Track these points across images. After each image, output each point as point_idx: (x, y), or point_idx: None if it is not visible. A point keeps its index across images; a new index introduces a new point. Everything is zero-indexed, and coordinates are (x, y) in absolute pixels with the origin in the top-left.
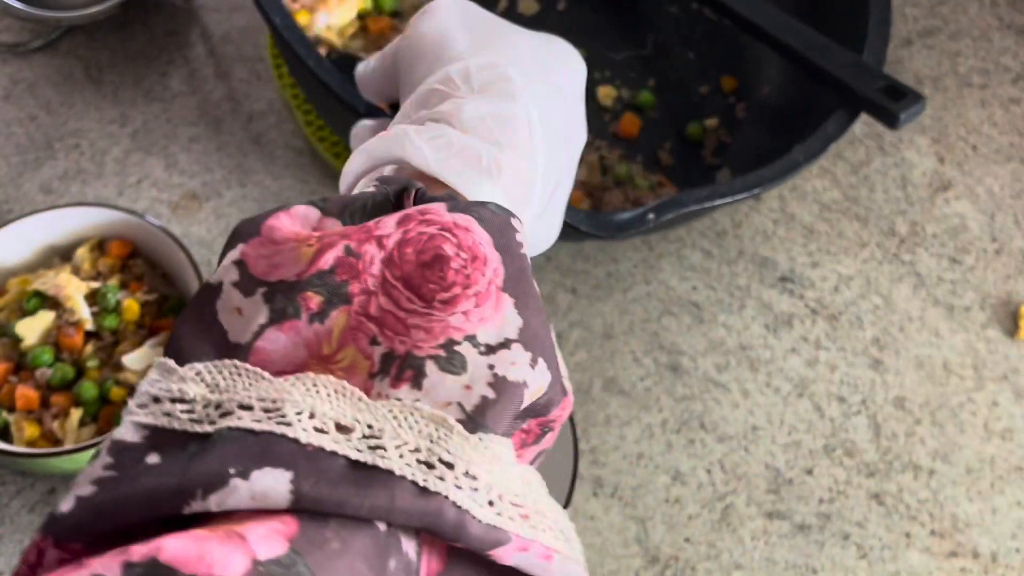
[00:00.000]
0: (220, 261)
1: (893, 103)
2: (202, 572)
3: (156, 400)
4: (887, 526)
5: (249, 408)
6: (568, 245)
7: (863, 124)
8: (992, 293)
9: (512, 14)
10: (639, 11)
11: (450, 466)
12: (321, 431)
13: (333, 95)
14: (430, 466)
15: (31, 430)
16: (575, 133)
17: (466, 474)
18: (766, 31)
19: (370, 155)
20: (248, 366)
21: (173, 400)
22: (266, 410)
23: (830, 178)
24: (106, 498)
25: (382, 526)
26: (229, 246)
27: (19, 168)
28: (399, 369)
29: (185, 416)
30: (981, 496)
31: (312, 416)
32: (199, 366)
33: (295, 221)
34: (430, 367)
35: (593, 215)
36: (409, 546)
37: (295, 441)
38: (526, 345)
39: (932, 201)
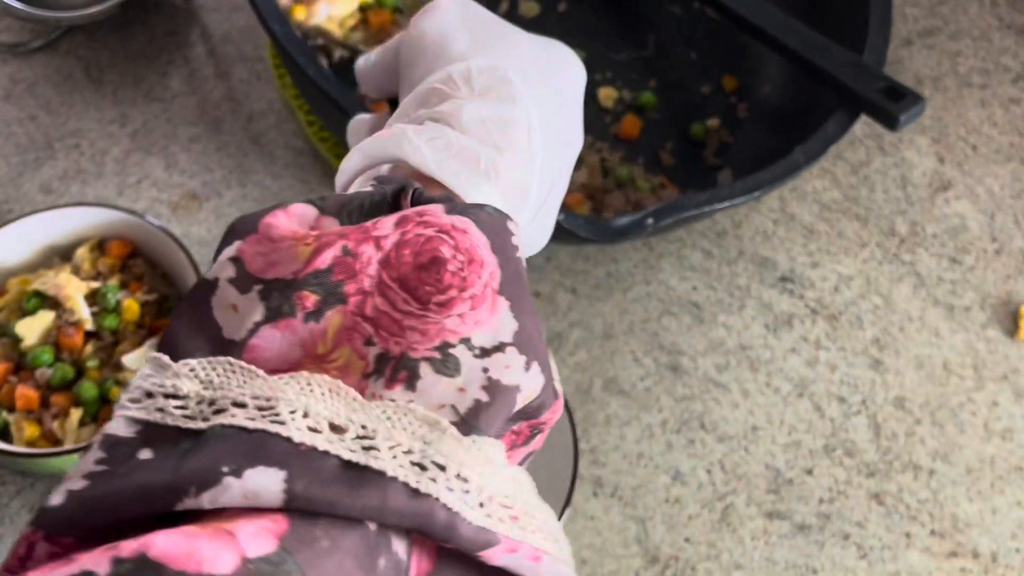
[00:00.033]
0: (216, 257)
1: (893, 104)
2: (191, 569)
3: (149, 395)
4: (887, 526)
5: (243, 406)
6: (587, 246)
7: (863, 124)
8: (992, 293)
9: (513, 16)
10: (640, 12)
11: (442, 468)
12: (315, 430)
13: (333, 103)
14: (423, 468)
15: (31, 430)
16: (573, 136)
17: (458, 476)
18: (766, 31)
19: (367, 153)
20: (242, 363)
21: (167, 396)
22: (260, 408)
23: (830, 178)
24: (97, 492)
25: (372, 525)
26: (225, 242)
27: (19, 168)
28: (393, 370)
29: (178, 412)
30: (981, 496)
31: (306, 415)
32: (193, 362)
33: (292, 219)
34: (424, 369)
35: (592, 221)
36: (399, 546)
37: (288, 440)
38: (520, 348)
39: (932, 201)
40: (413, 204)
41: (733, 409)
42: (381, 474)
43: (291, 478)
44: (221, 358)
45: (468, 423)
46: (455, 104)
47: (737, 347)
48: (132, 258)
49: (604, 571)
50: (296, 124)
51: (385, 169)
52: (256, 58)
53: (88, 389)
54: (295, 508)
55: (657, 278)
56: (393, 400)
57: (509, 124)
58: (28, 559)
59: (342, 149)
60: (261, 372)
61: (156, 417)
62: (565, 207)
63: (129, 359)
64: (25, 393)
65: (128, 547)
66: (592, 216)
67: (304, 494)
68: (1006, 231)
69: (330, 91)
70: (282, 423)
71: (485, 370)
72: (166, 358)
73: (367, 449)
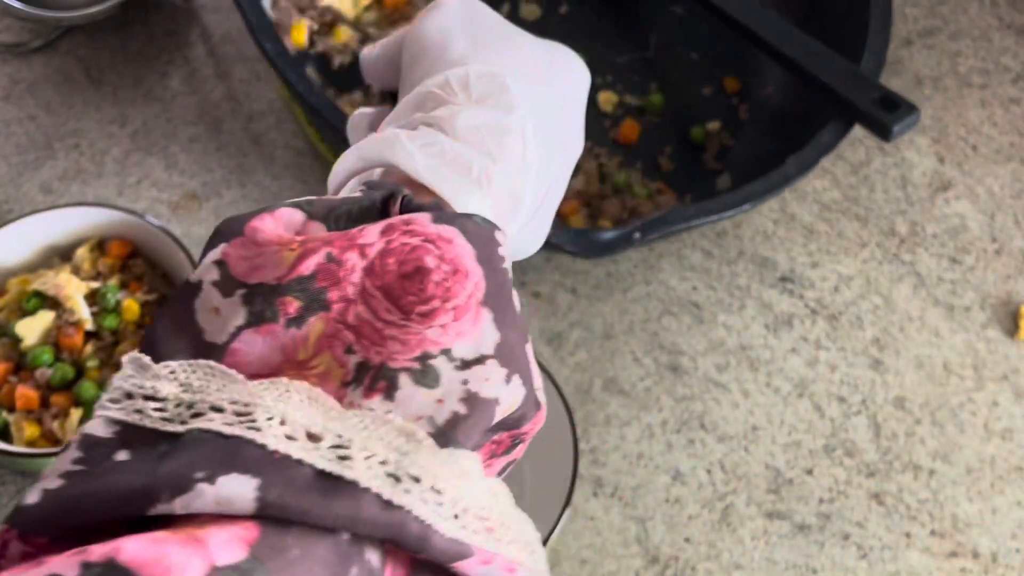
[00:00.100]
0: (201, 259)
1: (887, 115)
2: None
3: (129, 396)
4: (887, 526)
5: (221, 410)
6: (585, 260)
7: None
8: (992, 293)
9: (514, 18)
10: (641, 13)
11: (417, 480)
12: (291, 438)
13: (324, 121)
14: (397, 479)
15: (31, 430)
16: (572, 140)
17: (432, 488)
18: (762, 37)
19: (361, 156)
20: (223, 367)
21: (146, 397)
22: (238, 413)
23: (830, 178)
24: (74, 492)
25: (345, 535)
26: (211, 245)
27: (19, 168)
28: (373, 379)
29: (157, 414)
30: (981, 496)
31: (283, 423)
32: (173, 364)
33: (279, 223)
34: (403, 379)
35: (578, 235)
36: (373, 556)
37: (263, 447)
38: (502, 361)
39: (932, 201)
40: (402, 211)
41: (733, 409)
42: (354, 484)
43: (264, 486)
44: (201, 361)
45: (445, 435)
46: (451, 110)
47: (737, 347)
48: (132, 258)
49: (604, 571)
50: (296, 124)
51: (378, 172)
52: (256, 58)
53: (88, 389)
54: (268, 516)
55: (657, 278)
56: (371, 410)
57: (504, 132)
58: (1, 557)
59: (341, 150)
60: (240, 377)
61: (134, 418)
62: (557, 216)
63: None
64: (25, 393)
65: (97, 551)
66: (587, 224)
67: (277, 502)
68: (1006, 231)
69: (321, 109)
70: (258, 430)
71: (465, 382)
72: (147, 359)
73: (342, 459)
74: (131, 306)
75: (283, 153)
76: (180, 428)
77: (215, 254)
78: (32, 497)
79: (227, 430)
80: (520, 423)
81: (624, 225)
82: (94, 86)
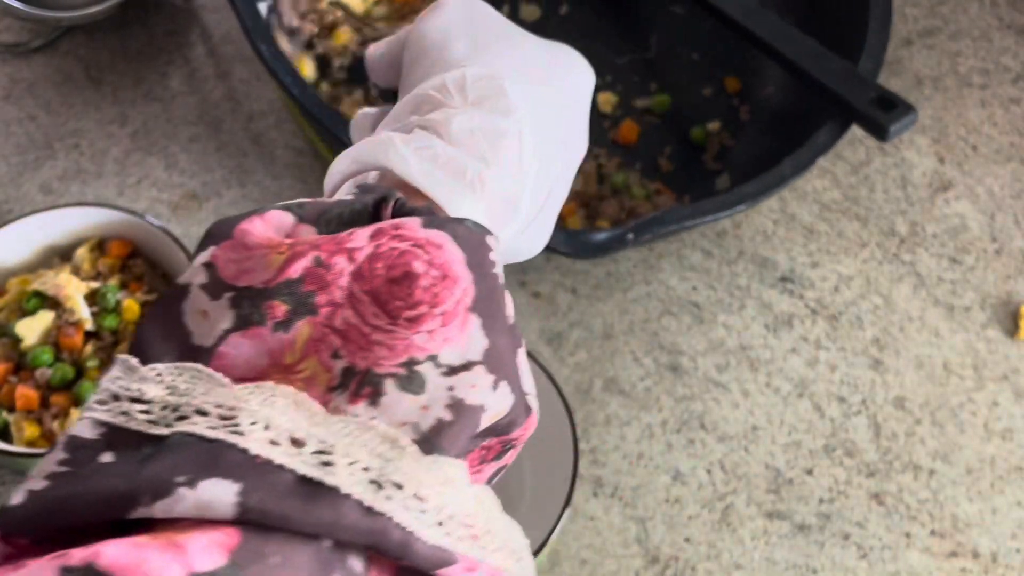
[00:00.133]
0: (192, 261)
1: (883, 114)
2: None
3: (115, 398)
4: (887, 526)
5: (205, 414)
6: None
7: None
8: (992, 293)
9: (513, 19)
10: (642, 13)
11: (399, 487)
12: (274, 443)
13: (318, 123)
14: (379, 486)
15: (31, 430)
16: (575, 140)
17: (415, 495)
18: (760, 37)
19: (356, 159)
20: (209, 371)
21: (132, 399)
22: (222, 417)
23: (830, 178)
24: (59, 494)
25: (328, 542)
26: (201, 247)
27: (19, 168)
28: (358, 385)
29: (142, 417)
30: (981, 496)
31: (267, 427)
32: (160, 367)
33: (269, 226)
34: (389, 385)
35: (571, 236)
36: (356, 563)
37: (245, 452)
38: (490, 367)
39: (932, 201)
40: (395, 215)
41: (733, 409)
42: (336, 490)
43: (245, 491)
44: (188, 364)
45: (430, 442)
46: (446, 113)
47: (737, 347)
48: (132, 258)
49: (604, 571)
50: (296, 124)
51: (373, 175)
52: (256, 58)
53: (88, 389)
54: (249, 521)
55: (657, 278)
56: (356, 416)
57: (500, 136)
58: None
59: (339, 150)
60: (226, 380)
61: (120, 420)
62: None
63: None
64: (25, 393)
65: (77, 555)
66: (585, 225)
67: (258, 507)
68: (1006, 231)
69: (314, 111)
70: (241, 434)
71: (450, 388)
72: (134, 361)
73: (324, 464)
74: (131, 306)
75: (283, 153)
76: (165, 431)
77: (204, 256)
78: (17, 498)
79: (210, 434)
80: (509, 429)
81: (619, 226)
82: (94, 86)
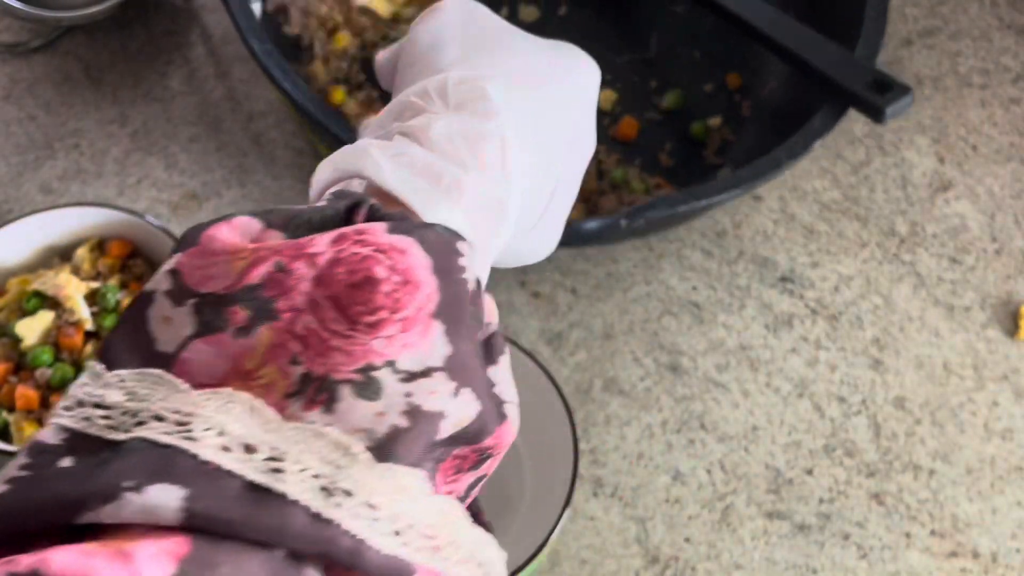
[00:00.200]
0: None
1: (879, 96)
2: None
3: (80, 404)
4: (887, 526)
5: (162, 419)
6: (570, 248)
7: (863, 124)
8: (992, 293)
9: (512, 20)
10: (642, 13)
11: (349, 494)
12: (226, 449)
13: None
14: (329, 493)
15: (31, 430)
16: (580, 141)
17: (367, 504)
18: (754, 26)
19: (335, 167)
20: (170, 377)
21: (95, 405)
22: (179, 423)
23: (830, 178)
24: (16, 498)
25: (281, 551)
26: (172, 253)
27: (19, 168)
28: (315, 391)
29: (103, 422)
30: (981, 496)
31: (221, 434)
32: (124, 373)
33: (235, 232)
34: (344, 391)
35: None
36: (312, 574)
37: (195, 457)
38: (451, 374)
39: (932, 201)
40: (368, 220)
41: (733, 409)
42: (283, 497)
43: (192, 496)
44: (149, 370)
45: (385, 449)
46: (427, 119)
47: (737, 347)
48: (132, 258)
49: (604, 571)
50: (296, 124)
51: (357, 184)
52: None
53: None
54: (197, 528)
55: (657, 278)
56: (312, 422)
57: (480, 139)
58: None
59: (336, 148)
60: (185, 386)
61: (82, 426)
62: None
63: None
64: (25, 393)
65: (25, 561)
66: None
67: (204, 513)
68: (1006, 231)
69: (305, 105)
70: (194, 440)
71: (408, 395)
72: (100, 367)
73: (275, 471)
74: None
75: (283, 153)
76: (123, 436)
77: (170, 263)
78: None
79: (164, 439)
80: (479, 438)
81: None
82: (94, 86)
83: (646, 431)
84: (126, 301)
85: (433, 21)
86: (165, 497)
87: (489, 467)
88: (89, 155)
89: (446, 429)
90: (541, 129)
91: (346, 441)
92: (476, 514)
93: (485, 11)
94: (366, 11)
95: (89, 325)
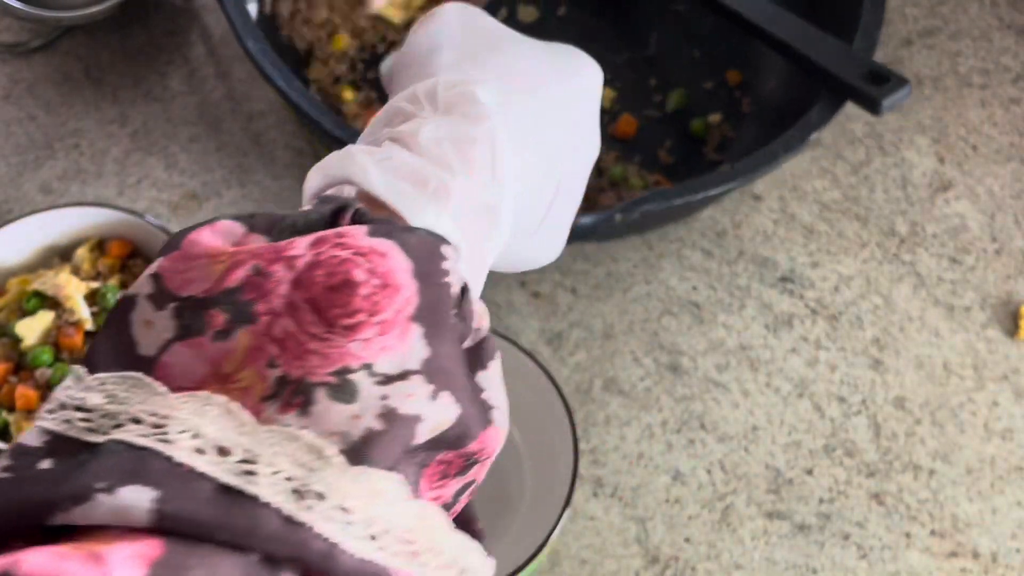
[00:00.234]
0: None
1: (875, 88)
2: None
3: (62, 406)
4: (887, 526)
5: (139, 422)
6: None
7: (863, 124)
8: (992, 293)
9: (511, 21)
10: (641, 13)
11: (321, 497)
12: (200, 452)
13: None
14: (301, 495)
15: None
16: (582, 144)
17: (340, 507)
18: (751, 22)
19: (324, 173)
20: (148, 380)
21: (76, 408)
22: (155, 425)
23: (830, 178)
24: None
25: (256, 555)
26: (157, 257)
27: (19, 168)
28: (291, 394)
29: (82, 424)
30: (981, 496)
31: (196, 436)
32: (105, 376)
33: (217, 236)
34: (320, 394)
35: None
36: None
37: (168, 459)
38: (429, 377)
39: (932, 201)
40: (353, 224)
41: (733, 409)
42: (255, 499)
43: (164, 498)
44: (130, 373)
45: (359, 452)
46: (416, 124)
47: (737, 347)
48: (132, 258)
49: (604, 571)
50: (296, 124)
51: (347, 189)
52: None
53: None
54: (168, 530)
55: (657, 278)
56: (287, 425)
57: (468, 143)
58: None
59: (334, 147)
60: (163, 389)
61: (63, 428)
62: None
63: None
64: (25, 393)
65: None
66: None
67: (174, 515)
68: (1006, 231)
69: (301, 104)
70: (169, 442)
71: (384, 398)
72: (83, 370)
73: (247, 474)
74: None
75: (283, 153)
76: (101, 439)
77: (152, 268)
78: None
79: (140, 441)
80: (462, 442)
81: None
82: (94, 86)
83: (646, 431)
84: None
85: (431, 25)
86: (136, 498)
87: (477, 473)
88: (89, 155)
89: (423, 433)
90: (540, 132)
91: (319, 444)
92: (469, 521)
93: (485, 16)
94: (377, 19)
95: (89, 325)
